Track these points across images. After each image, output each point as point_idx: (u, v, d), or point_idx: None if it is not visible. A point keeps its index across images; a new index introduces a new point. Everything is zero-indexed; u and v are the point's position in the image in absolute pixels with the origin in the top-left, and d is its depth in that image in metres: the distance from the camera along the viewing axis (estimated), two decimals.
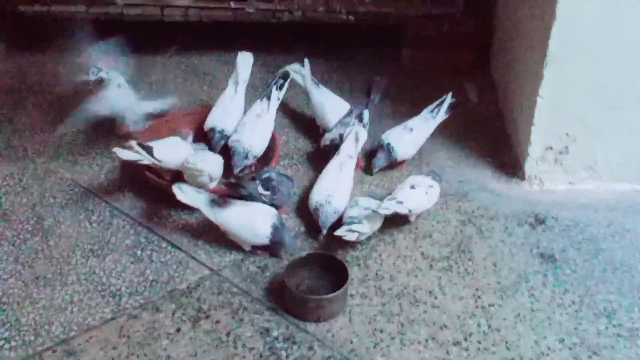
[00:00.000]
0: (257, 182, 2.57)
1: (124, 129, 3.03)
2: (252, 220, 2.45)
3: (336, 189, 2.61)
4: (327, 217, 2.54)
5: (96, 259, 2.48)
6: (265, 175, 2.60)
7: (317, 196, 2.59)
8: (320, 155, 2.94)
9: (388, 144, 2.86)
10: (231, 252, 2.51)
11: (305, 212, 2.65)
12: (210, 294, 2.35)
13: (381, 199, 2.55)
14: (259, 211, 2.49)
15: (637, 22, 2.52)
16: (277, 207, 2.56)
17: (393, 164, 2.91)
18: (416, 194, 2.57)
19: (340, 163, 2.71)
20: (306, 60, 3.15)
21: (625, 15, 2.50)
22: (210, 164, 2.65)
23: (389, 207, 2.44)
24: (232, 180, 2.58)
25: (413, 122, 2.94)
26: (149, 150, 2.58)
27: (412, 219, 2.63)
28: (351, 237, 2.43)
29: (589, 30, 2.54)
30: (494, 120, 3.24)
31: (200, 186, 2.60)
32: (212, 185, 2.67)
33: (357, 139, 2.77)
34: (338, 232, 2.43)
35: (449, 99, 2.97)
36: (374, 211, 2.45)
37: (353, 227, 2.42)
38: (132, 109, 3.01)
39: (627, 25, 2.53)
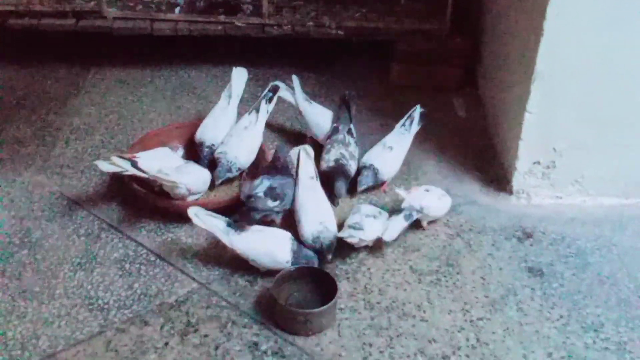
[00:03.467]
0: (263, 195, 2.54)
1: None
2: (270, 248, 2.43)
3: (325, 213, 2.59)
4: (330, 243, 2.51)
5: (84, 272, 2.47)
6: (265, 187, 2.57)
7: (310, 228, 2.52)
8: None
9: (372, 165, 2.84)
10: (220, 266, 2.51)
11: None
12: (198, 307, 2.34)
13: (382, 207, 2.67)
14: (276, 237, 2.48)
15: (623, 39, 2.55)
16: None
17: (378, 186, 2.90)
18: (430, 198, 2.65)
19: (309, 188, 2.65)
20: (295, 77, 3.16)
21: (612, 32, 2.53)
22: (189, 177, 2.65)
23: (343, 235, 2.48)
24: (244, 208, 2.56)
25: (390, 139, 2.94)
26: (133, 163, 2.58)
27: (424, 224, 2.66)
28: (353, 240, 2.46)
29: (576, 46, 2.57)
30: (482, 135, 3.26)
31: (177, 198, 2.62)
32: (193, 198, 2.67)
33: (308, 155, 2.73)
34: (341, 234, 2.47)
35: (418, 110, 3.00)
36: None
37: (354, 232, 2.45)
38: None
39: (613, 42, 2.55)
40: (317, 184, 2.69)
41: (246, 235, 2.44)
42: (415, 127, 2.98)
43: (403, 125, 2.98)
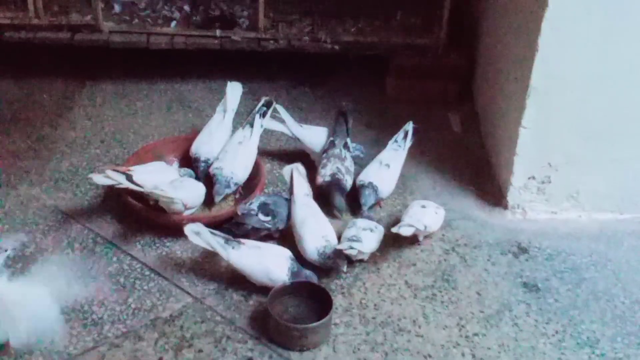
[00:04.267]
0: (256, 210, 2.56)
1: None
2: (267, 266, 2.41)
3: (326, 227, 2.60)
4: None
5: (78, 286, 2.45)
6: (259, 202, 2.59)
7: (315, 243, 2.52)
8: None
9: (371, 182, 2.83)
10: (215, 280, 2.50)
11: None
12: (193, 322, 2.33)
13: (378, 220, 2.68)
14: (275, 255, 2.46)
15: (618, 54, 2.56)
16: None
17: (374, 205, 2.87)
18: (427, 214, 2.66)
19: (306, 205, 2.66)
20: (279, 107, 3.12)
21: (606, 47, 2.55)
22: (186, 192, 2.66)
23: (343, 247, 2.47)
24: (234, 220, 2.56)
25: (385, 157, 2.94)
26: (128, 176, 2.57)
27: (420, 238, 2.66)
28: (352, 252, 2.46)
29: (571, 61, 2.58)
30: (477, 150, 3.27)
31: (173, 213, 2.62)
32: (188, 212, 2.66)
33: (300, 174, 2.73)
34: (340, 246, 2.46)
35: (411, 125, 3.00)
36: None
37: (354, 244, 2.45)
38: None
39: (608, 57, 2.57)
40: (312, 201, 2.70)
41: (244, 251, 2.43)
42: (408, 143, 2.99)
43: (395, 141, 2.98)
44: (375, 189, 2.82)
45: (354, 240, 2.47)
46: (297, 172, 2.74)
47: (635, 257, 2.70)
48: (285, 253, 2.47)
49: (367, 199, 2.79)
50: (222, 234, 2.46)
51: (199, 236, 2.43)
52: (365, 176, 2.87)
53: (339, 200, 2.80)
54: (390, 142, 3.00)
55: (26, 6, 3.50)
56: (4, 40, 3.54)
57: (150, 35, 3.58)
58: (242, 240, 2.47)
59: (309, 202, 2.68)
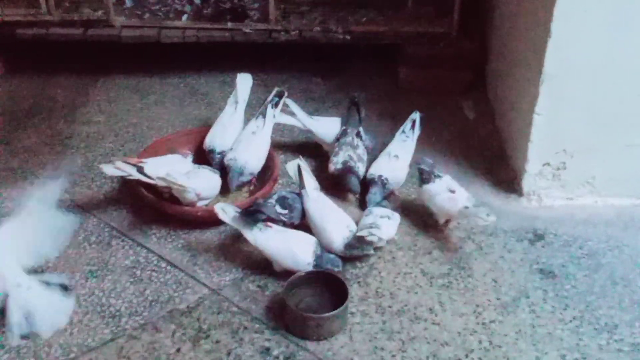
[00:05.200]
0: (274, 202, 2.57)
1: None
2: (293, 249, 2.42)
3: (345, 217, 2.61)
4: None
5: (95, 279, 2.48)
6: (279, 195, 2.61)
7: (340, 234, 2.53)
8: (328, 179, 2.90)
9: (380, 176, 2.82)
10: (231, 271, 2.51)
11: None
12: (210, 313, 2.35)
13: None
14: (301, 239, 2.48)
15: (631, 39, 2.54)
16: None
17: (387, 196, 2.86)
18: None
19: (319, 199, 2.65)
20: (290, 100, 3.11)
21: (619, 32, 2.52)
22: (198, 182, 2.66)
23: (363, 234, 2.47)
24: (251, 208, 2.57)
25: (394, 148, 2.92)
26: (139, 168, 2.59)
27: (441, 222, 2.68)
28: (373, 238, 2.46)
29: (584, 47, 2.55)
30: (491, 138, 3.25)
31: (187, 203, 2.63)
32: (202, 203, 2.67)
33: (306, 169, 2.70)
34: (361, 233, 2.47)
35: (418, 115, 2.97)
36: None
37: (373, 231, 2.45)
38: None
39: (621, 42, 2.54)
40: (322, 194, 2.69)
41: (271, 234, 2.45)
42: (417, 132, 2.96)
43: (403, 132, 2.96)
44: (384, 183, 2.81)
45: (373, 227, 2.48)
46: (304, 167, 2.72)
47: None
48: (311, 238, 2.49)
49: (372, 197, 2.77)
50: (251, 216, 2.47)
51: (228, 216, 2.46)
52: (375, 170, 2.86)
53: (354, 183, 2.82)
54: (397, 133, 2.98)
55: (38, 3, 3.53)
56: (17, 37, 3.57)
57: (161, 29, 3.59)
58: (269, 223, 2.48)
59: (321, 196, 2.68)
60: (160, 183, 2.61)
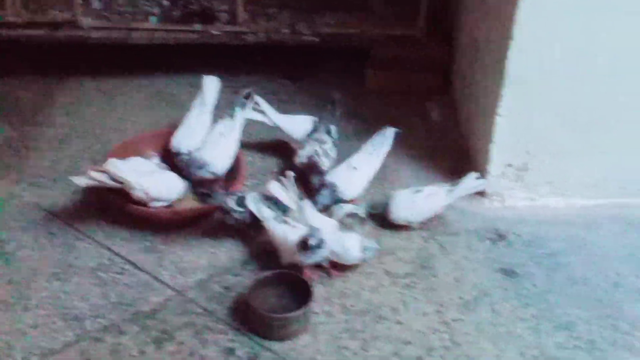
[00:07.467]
0: (232, 197, 2.58)
1: None
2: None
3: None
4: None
5: (59, 282, 2.46)
6: (241, 194, 2.60)
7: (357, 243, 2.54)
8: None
9: (332, 183, 2.79)
10: (196, 273, 2.51)
11: None
12: (174, 315, 2.35)
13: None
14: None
15: (592, 44, 2.58)
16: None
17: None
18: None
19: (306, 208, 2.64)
20: (258, 98, 3.10)
21: (581, 37, 2.57)
22: (151, 181, 2.64)
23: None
24: (204, 190, 2.59)
25: (356, 159, 2.88)
26: (110, 175, 2.58)
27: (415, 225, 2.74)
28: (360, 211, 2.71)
29: (547, 50, 2.59)
30: (456, 139, 3.28)
31: (142, 202, 2.63)
32: (158, 204, 2.66)
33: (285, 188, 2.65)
34: (346, 208, 2.69)
35: (391, 131, 2.94)
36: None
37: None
38: None
39: (583, 47, 2.59)
40: (307, 205, 2.64)
41: (287, 229, 2.47)
42: (386, 148, 2.93)
43: (372, 145, 2.92)
44: (334, 190, 2.78)
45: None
46: (282, 188, 2.63)
47: (612, 241, 2.73)
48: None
49: (321, 199, 2.76)
50: (275, 208, 2.52)
51: (254, 204, 2.51)
52: (331, 175, 2.85)
53: (317, 180, 2.82)
54: (365, 146, 2.93)
55: (4, 4, 3.49)
56: None
57: (130, 30, 3.57)
58: (288, 219, 2.52)
59: (308, 206, 2.63)
60: (101, 178, 2.58)
